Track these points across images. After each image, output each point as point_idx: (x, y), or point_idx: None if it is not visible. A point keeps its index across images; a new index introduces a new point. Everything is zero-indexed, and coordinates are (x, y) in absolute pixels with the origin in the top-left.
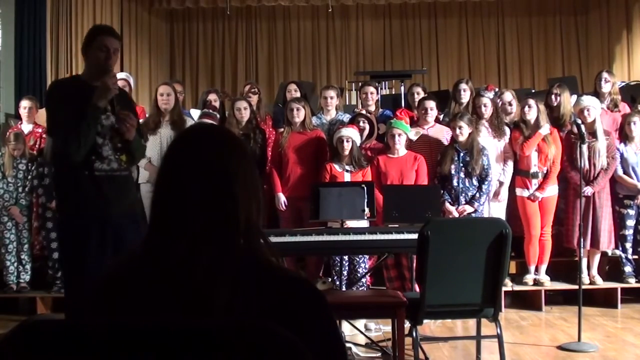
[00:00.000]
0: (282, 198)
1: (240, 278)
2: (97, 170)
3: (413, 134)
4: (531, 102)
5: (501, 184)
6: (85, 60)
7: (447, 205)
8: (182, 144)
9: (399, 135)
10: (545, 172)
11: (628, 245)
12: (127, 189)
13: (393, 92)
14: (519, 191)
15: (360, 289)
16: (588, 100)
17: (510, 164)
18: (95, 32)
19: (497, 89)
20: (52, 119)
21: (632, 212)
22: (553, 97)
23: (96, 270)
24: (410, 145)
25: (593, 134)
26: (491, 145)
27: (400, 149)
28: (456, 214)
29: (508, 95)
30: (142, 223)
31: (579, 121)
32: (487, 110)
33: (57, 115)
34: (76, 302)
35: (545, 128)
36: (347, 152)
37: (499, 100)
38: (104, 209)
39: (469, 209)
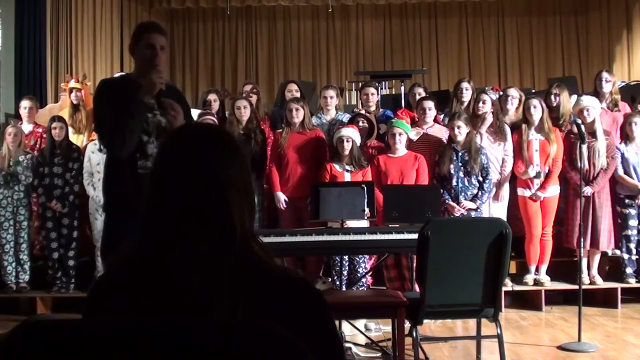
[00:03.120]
0: (282, 197)
1: (238, 281)
2: (140, 168)
3: (414, 133)
4: (536, 102)
5: (500, 184)
6: (134, 60)
7: (449, 202)
8: (172, 144)
9: (400, 134)
10: (547, 171)
11: (632, 245)
12: None
13: (393, 92)
14: (520, 191)
15: (360, 289)
16: (588, 100)
17: (509, 163)
18: (141, 30)
19: (501, 93)
20: (97, 117)
21: (634, 212)
22: (552, 97)
23: None
24: (410, 145)
25: (593, 134)
26: (490, 150)
27: (401, 149)
28: (460, 210)
29: (513, 92)
30: None
31: (579, 121)
32: (485, 107)
33: (102, 113)
34: None
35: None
36: (347, 152)
37: (509, 100)
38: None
39: (471, 204)
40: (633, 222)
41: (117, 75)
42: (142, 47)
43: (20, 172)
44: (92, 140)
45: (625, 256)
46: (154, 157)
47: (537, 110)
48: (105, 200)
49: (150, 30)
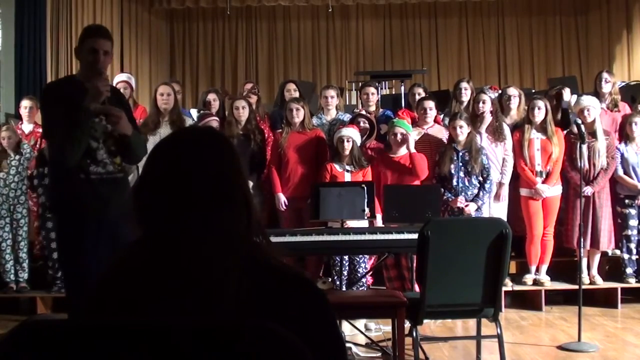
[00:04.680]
0: (282, 198)
1: (243, 277)
2: (92, 174)
3: (415, 133)
4: (541, 103)
5: (501, 185)
6: (79, 62)
7: (452, 199)
8: (170, 147)
9: (401, 134)
10: (548, 171)
11: (632, 245)
12: (122, 190)
13: (393, 92)
14: (523, 191)
15: (360, 289)
16: (588, 100)
17: (510, 163)
18: (84, 34)
19: (500, 91)
20: (47, 123)
21: (634, 212)
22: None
23: (92, 269)
24: None
25: (593, 134)
26: (490, 150)
27: (402, 148)
28: (462, 205)
29: (513, 90)
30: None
31: (579, 121)
32: (485, 107)
33: (51, 120)
34: (77, 302)
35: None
36: (347, 152)
37: (511, 99)
38: (100, 210)
39: (473, 207)
40: (633, 222)
41: (62, 78)
42: (85, 52)
43: (25, 147)
44: None
45: (626, 256)
46: (104, 162)
47: (541, 112)
48: (59, 206)
49: (93, 35)
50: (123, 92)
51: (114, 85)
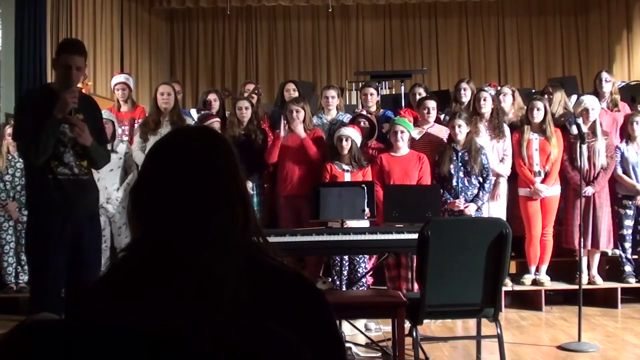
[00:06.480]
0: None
1: (241, 276)
2: (59, 175)
3: (416, 132)
4: (540, 104)
5: (497, 183)
6: (55, 73)
7: (451, 200)
8: (174, 145)
9: (402, 132)
10: (547, 171)
11: (627, 245)
12: (87, 191)
13: (393, 92)
14: (522, 191)
15: (361, 289)
16: (589, 100)
17: (508, 163)
18: (61, 49)
19: (499, 87)
20: (17, 126)
21: (630, 212)
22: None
23: (57, 267)
24: (412, 144)
25: (593, 133)
26: (489, 146)
27: (403, 147)
28: (461, 207)
29: (506, 89)
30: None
31: (579, 121)
32: (487, 105)
33: (21, 123)
34: (38, 298)
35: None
36: (346, 152)
37: (501, 97)
38: (66, 209)
39: (473, 207)
40: (629, 222)
41: (39, 86)
42: (60, 66)
43: (19, 174)
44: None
45: (623, 255)
46: (70, 165)
47: (540, 112)
48: (31, 205)
49: (68, 51)
50: (122, 93)
51: (113, 86)
